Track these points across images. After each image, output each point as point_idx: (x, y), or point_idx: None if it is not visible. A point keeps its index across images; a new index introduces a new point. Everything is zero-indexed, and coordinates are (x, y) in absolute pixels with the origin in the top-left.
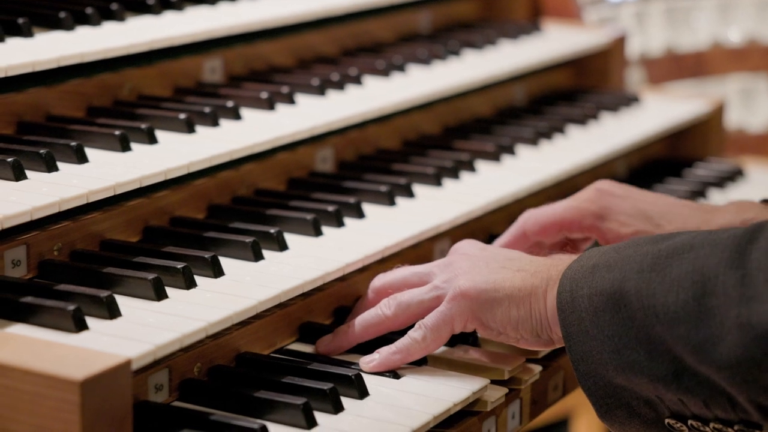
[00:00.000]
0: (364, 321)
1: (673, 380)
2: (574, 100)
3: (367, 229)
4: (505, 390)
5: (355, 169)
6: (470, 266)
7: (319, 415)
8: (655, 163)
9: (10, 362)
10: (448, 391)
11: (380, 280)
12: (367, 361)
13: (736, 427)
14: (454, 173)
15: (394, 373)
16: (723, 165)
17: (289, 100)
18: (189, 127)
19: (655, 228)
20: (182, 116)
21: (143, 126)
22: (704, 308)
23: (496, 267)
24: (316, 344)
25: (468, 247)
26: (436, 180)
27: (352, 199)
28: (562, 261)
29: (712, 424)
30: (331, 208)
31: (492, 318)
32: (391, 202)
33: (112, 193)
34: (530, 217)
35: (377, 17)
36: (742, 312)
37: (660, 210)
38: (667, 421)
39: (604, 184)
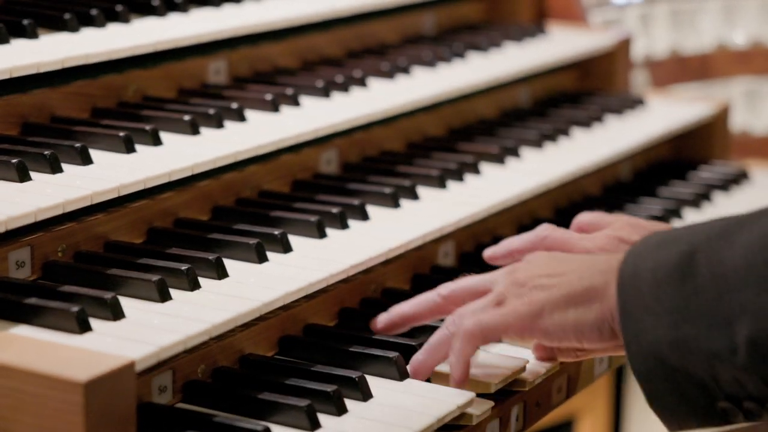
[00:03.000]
0: (432, 344)
1: (731, 355)
2: (578, 103)
3: (371, 231)
4: (491, 403)
5: (360, 170)
6: (529, 267)
7: (322, 417)
8: (660, 166)
9: (14, 363)
10: (453, 393)
11: (446, 288)
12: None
13: None
14: (458, 175)
15: (399, 375)
16: (728, 168)
17: (294, 101)
18: (193, 129)
19: None
20: (187, 118)
21: (148, 127)
22: None
23: (555, 265)
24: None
25: (533, 256)
26: (440, 182)
27: (356, 201)
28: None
29: None
30: (335, 210)
31: (551, 323)
32: (396, 204)
33: (116, 195)
34: (546, 238)
35: (382, 19)
36: None
37: None
38: (720, 405)
39: (624, 231)
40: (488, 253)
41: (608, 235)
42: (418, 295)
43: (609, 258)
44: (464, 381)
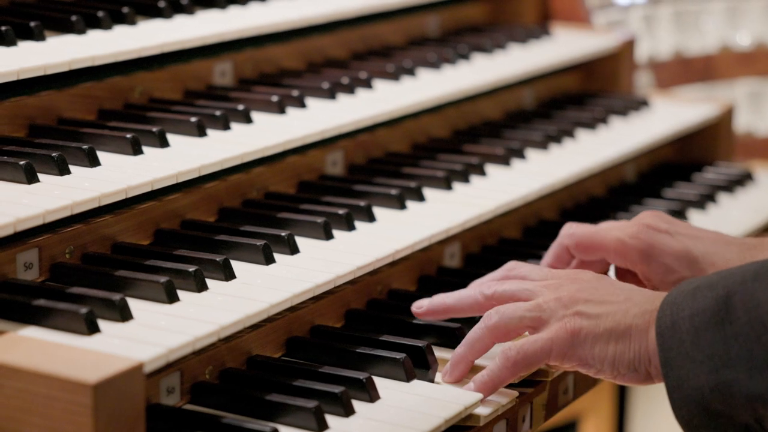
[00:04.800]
0: (470, 340)
1: None
2: (583, 104)
3: (377, 233)
4: (498, 404)
5: (365, 172)
6: (577, 290)
7: (330, 418)
8: (664, 167)
9: (22, 365)
10: (460, 393)
11: (490, 288)
12: (471, 388)
13: None
14: (464, 177)
15: (406, 376)
16: (732, 169)
17: (300, 103)
18: (200, 131)
19: (699, 274)
20: (193, 119)
21: (154, 129)
22: None
23: (601, 293)
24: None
25: (580, 273)
26: (446, 183)
27: (362, 203)
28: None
29: None
30: (341, 212)
31: (590, 355)
32: (402, 206)
33: (123, 196)
34: (573, 235)
35: (387, 21)
36: None
37: (705, 249)
38: None
39: (650, 219)
40: None
41: (637, 224)
42: (462, 290)
43: (653, 297)
44: (493, 392)
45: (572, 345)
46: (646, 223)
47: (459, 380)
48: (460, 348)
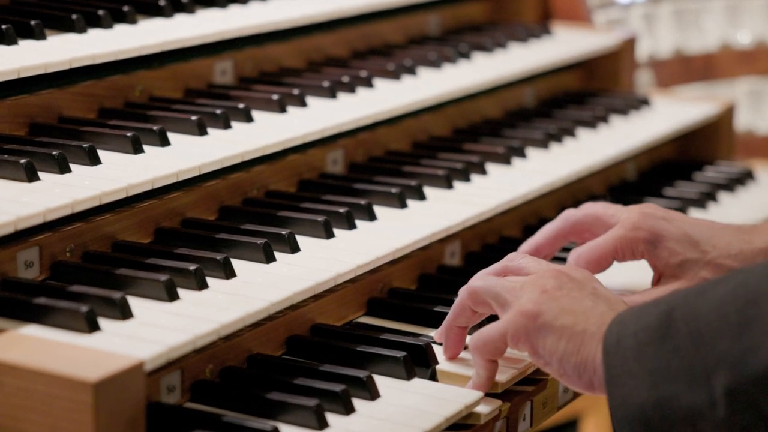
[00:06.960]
0: (453, 305)
1: (710, 410)
2: (583, 103)
3: (378, 231)
4: (498, 403)
5: (366, 170)
6: (555, 285)
7: (330, 417)
8: (665, 166)
9: (23, 363)
10: (460, 392)
11: (480, 289)
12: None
13: None
14: (464, 175)
15: (407, 374)
16: (732, 167)
17: (300, 102)
18: (200, 129)
19: (702, 255)
20: (194, 118)
21: (155, 128)
22: (745, 318)
23: (578, 293)
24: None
25: (575, 271)
26: (446, 182)
27: (362, 201)
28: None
29: None
30: (342, 210)
31: (542, 345)
32: (402, 204)
33: (124, 195)
34: (579, 257)
35: (387, 19)
36: None
37: (703, 233)
38: None
39: (646, 207)
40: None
41: (639, 212)
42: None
43: (614, 312)
44: (485, 388)
45: (527, 329)
46: (643, 211)
47: (456, 354)
48: (447, 317)
